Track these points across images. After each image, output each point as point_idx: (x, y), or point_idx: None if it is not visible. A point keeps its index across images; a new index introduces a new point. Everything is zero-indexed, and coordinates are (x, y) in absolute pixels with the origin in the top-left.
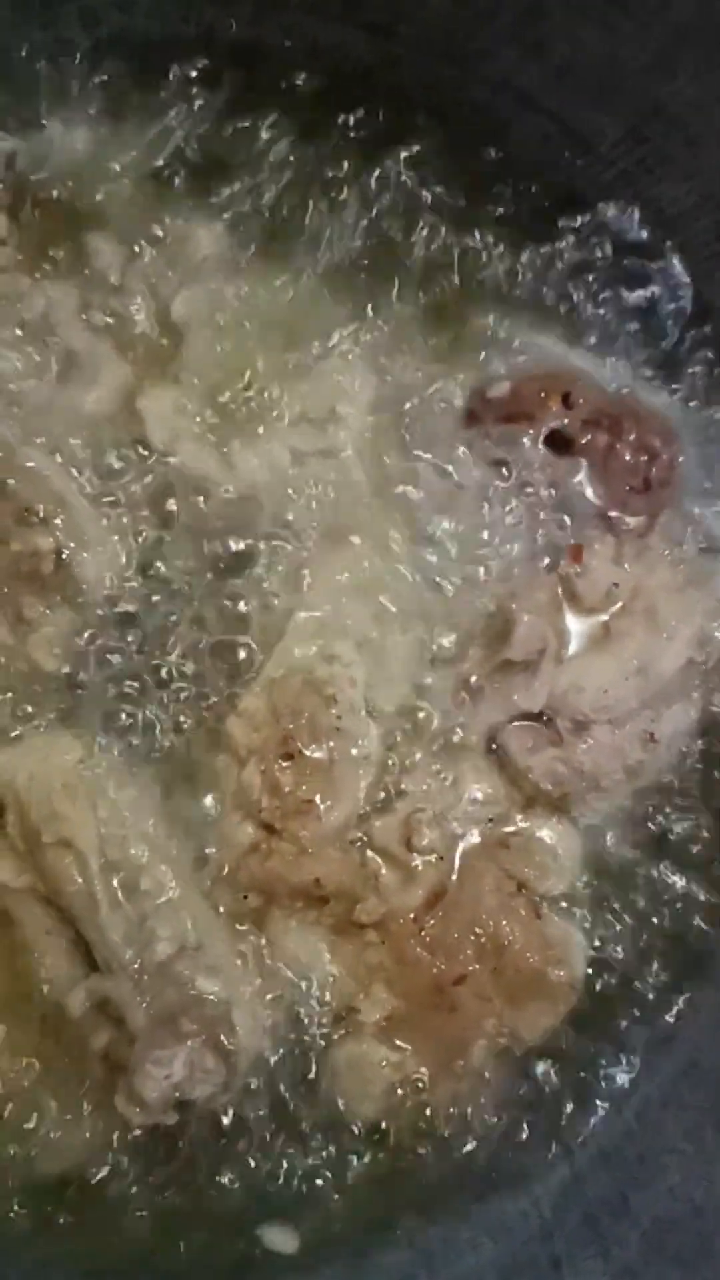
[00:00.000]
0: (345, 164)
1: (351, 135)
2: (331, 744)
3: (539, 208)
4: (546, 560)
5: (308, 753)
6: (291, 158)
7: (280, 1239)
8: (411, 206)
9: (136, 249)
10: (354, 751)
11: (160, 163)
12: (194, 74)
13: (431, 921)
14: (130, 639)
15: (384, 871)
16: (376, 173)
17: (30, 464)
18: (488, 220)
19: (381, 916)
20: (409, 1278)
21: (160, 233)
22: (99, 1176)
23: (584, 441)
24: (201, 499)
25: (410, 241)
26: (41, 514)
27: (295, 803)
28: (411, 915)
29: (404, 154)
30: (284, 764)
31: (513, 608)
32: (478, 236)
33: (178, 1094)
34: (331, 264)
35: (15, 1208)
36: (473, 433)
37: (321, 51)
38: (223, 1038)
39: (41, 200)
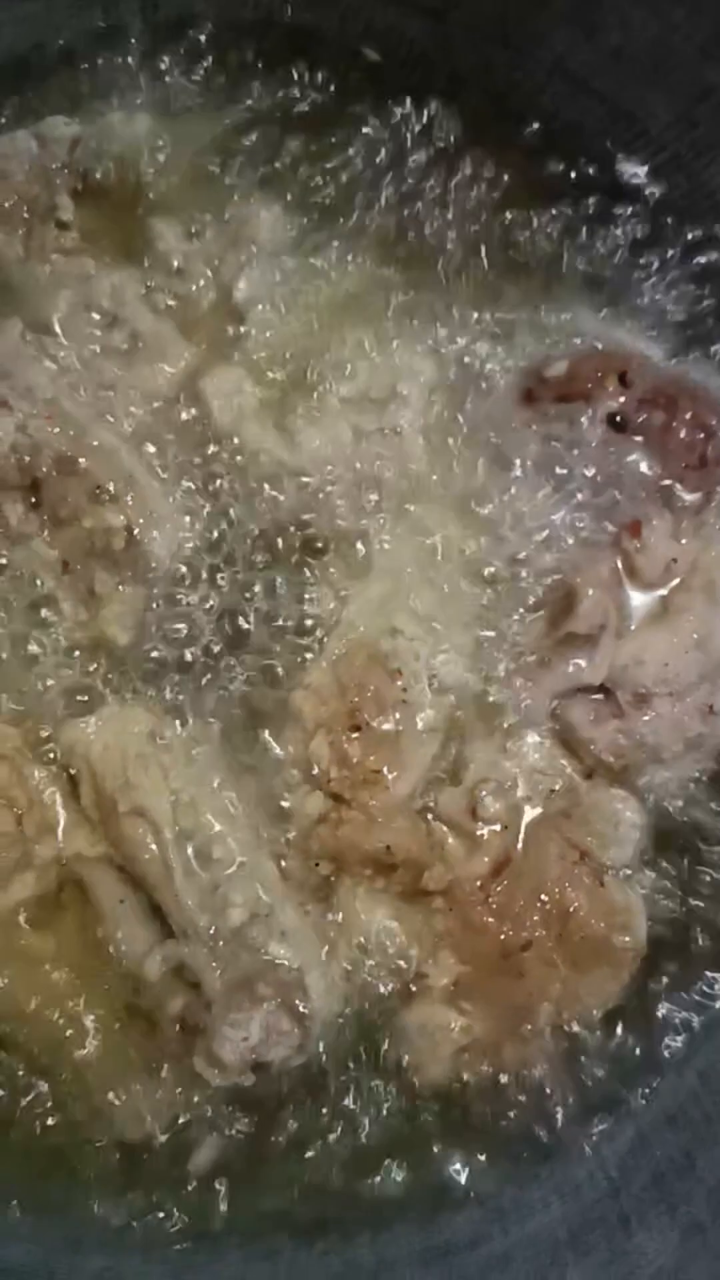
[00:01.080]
0: (400, 146)
1: (406, 118)
2: (397, 716)
3: (591, 190)
4: (605, 536)
5: (374, 725)
6: (348, 140)
7: None
8: (465, 188)
9: (197, 232)
10: (419, 724)
11: (219, 146)
12: (251, 58)
13: (498, 889)
14: (198, 613)
15: (450, 840)
16: (431, 154)
17: (99, 443)
18: (541, 202)
19: (448, 884)
20: (482, 1235)
21: (221, 216)
22: (179, 1138)
23: (640, 420)
24: (265, 476)
25: (464, 222)
26: (112, 492)
27: (364, 773)
28: (478, 883)
29: (457, 136)
30: (352, 736)
31: (576, 582)
32: (531, 218)
33: (254, 1056)
34: (388, 244)
35: (97, 1174)
36: (531, 411)
37: (376, 35)
38: (297, 1001)
39: (104, 185)
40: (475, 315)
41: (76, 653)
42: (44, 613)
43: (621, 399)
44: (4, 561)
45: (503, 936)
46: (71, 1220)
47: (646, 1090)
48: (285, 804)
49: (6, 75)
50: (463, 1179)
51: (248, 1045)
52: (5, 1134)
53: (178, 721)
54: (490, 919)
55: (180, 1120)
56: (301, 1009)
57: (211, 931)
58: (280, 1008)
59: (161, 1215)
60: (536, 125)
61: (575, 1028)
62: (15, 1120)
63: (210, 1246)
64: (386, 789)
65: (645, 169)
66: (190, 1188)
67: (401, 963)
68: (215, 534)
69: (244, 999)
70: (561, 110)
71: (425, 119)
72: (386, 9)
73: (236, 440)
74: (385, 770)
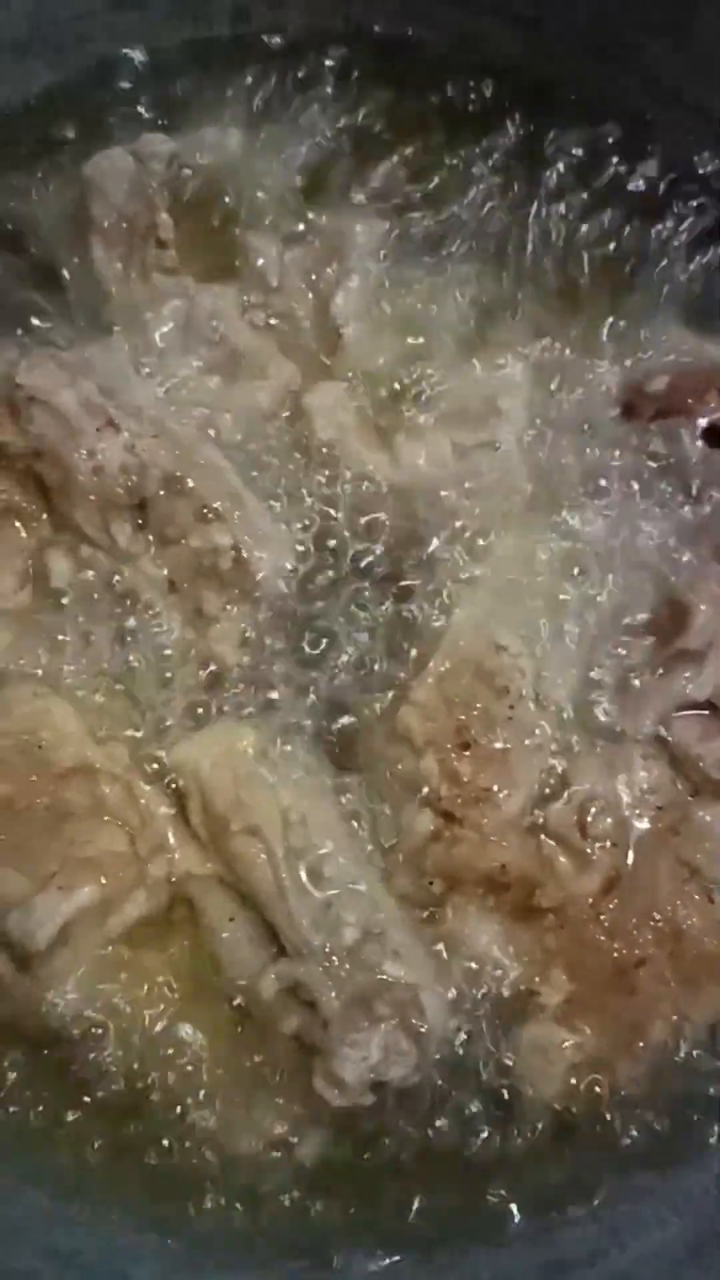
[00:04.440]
0: (494, 157)
1: (495, 129)
2: (505, 733)
3: (684, 202)
4: (708, 551)
5: (483, 742)
6: (440, 152)
7: None
8: (556, 199)
9: (293, 247)
10: (527, 741)
11: (313, 160)
12: (341, 70)
13: (609, 906)
14: (303, 632)
15: (561, 858)
16: (522, 165)
17: (205, 462)
18: (634, 214)
19: (560, 901)
20: (600, 1252)
21: (316, 230)
22: (293, 1155)
23: None
24: (367, 493)
25: (557, 235)
26: (219, 511)
27: (475, 791)
28: (589, 900)
29: (549, 147)
30: (463, 754)
31: (689, 599)
32: (625, 230)
33: (374, 1075)
34: (486, 258)
35: (211, 1190)
36: (630, 426)
37: (468, 45)
38: (413, 1020)
39: (199, 201)
40: (572, 330)
41: (183, 671)
42: (152, 632)
43: None
44: (112, 581)
45: (615, 954)
46: (189, 1239)
47: None
48: (393, 823)
49: (100, 88)
50: (577, 1195)
51: (367, 1065)
52: (122, 1155)
53: (284, 740)
54: (602, 936)
55: (293, 1137)
56: (419, 1028)
57: (326, 950)
58: (398, 1027)
59: (279, 1233)
60: (628, 136)
61: (687, 1044)
62: (132, 1142)
63: (330, 1264)
64: (498, 807)
65: None
66: (307, 1205)
67: (513, 980)
68: (319, 551)
69: (362, 1018)
70: (654, 120)
71: (515, 130)
72: (479, 20)
73: (338, 456)
74: (496, 788)
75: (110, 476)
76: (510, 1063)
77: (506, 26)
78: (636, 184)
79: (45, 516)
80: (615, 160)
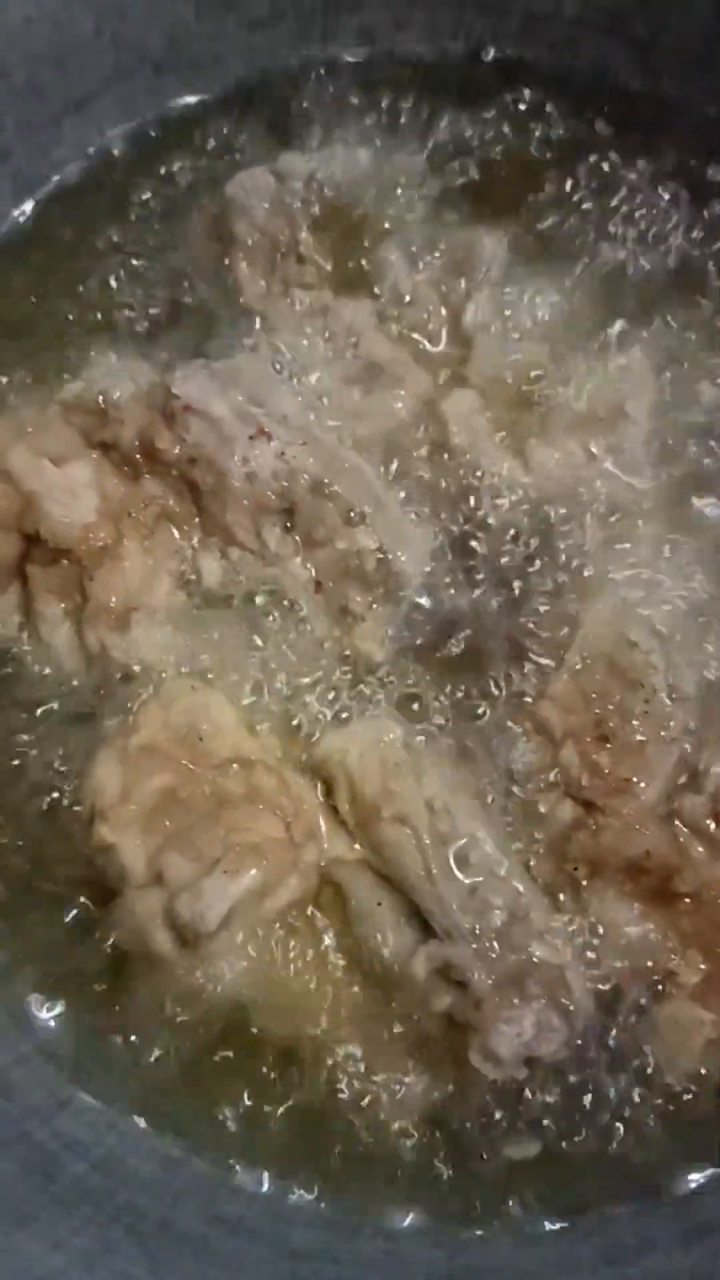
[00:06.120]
0: (609, 172)
1: (612, 145)
2: (642, 726)
3: None
4: None
5: (621, 735)
6: (561, 168)
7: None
8: (672, 212)
9: (424, 260)
10: (662, 733)
11: (438, 174)
12: (462, 89)
13: None
14: (442, 629)
15: (697, 846)
16: (639, 179)
17: (350, 466)
18: None
19: (696, 886)
20: None
21: (445, 243)
22: (445, 1125)
23: None
24: (501, 496)
25: (677, 244)
26: (363, 515)
27: (615, 781)
28: None
29: (663, 163)
30: (602, 745)
31: None
32: None
33: (526, 1050)
34: (609, 268)
35: (370, 1158)
36: None
37: (585, 66)
38: (562, 998)
39: (332, 218)
40: (695, 335)
41: (330, 667)
42: (299, 630)
43: None
44: (261, 582)
45: None
46: (349, 1205)
47: None
48: (532, 811)
49: (233, 108)
50: (706, 1165)
51: (521, 1040)
52: (284, 1127)
53: (425, 731)
54: None
55: (444, 1109)
56: (567, 1005)
57: (476, 932)
58: (549, 1005)
59: (434, 1200)
60: None
61: None
62: (291, 1113)
63: (482, 1230)
64: (637, 797)
65: None
66: (459, 1172)
67: (650, 962)
68: (456, 552)
69: (514, 996)
70: None
71: (632, 144)
72: (593, 39)
73: (473, 461)
74: (635, 779)
75: (262, 482)
76: (648, 1039)
77: (621, 45)
78: None
79: (196, 520)
80: None
